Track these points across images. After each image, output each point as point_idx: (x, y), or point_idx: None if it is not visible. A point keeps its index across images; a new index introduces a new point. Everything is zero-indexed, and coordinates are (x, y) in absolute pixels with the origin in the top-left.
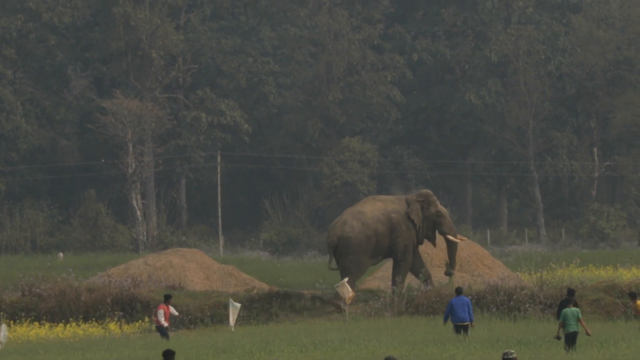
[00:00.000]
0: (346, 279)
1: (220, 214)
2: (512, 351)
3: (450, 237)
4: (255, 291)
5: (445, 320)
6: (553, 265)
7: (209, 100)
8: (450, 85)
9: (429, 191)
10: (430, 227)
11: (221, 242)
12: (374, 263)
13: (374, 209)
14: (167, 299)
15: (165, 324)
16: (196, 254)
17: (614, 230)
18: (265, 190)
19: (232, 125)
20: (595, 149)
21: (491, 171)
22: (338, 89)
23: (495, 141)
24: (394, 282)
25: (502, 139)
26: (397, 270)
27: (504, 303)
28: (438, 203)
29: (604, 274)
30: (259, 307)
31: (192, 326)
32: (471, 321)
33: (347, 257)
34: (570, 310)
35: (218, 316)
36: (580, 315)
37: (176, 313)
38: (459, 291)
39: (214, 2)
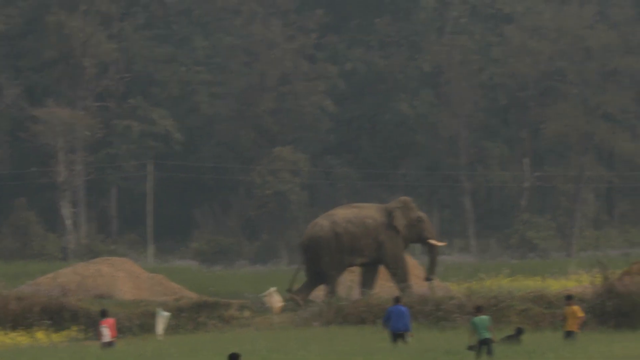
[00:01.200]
0: (274, 288)
1: (150, 222)
2: None
3: (433, 242)
4: (183, 300)
5: (384, 326)
6: (482, 276)
7: (141, 108)
8: (383, 95)
9: (408, 198)
10: (414, 232)
11: (151, 251)
12: (352, 264)
13: (346, 212)
14: (105, 314)
15: (111, 339)
16: (125, 263)
17: (544, 241)
18: (196, 200)
19: (163, 134)
20: (526, 160)
21: (423, 181)
22: (271, 98)
23: (427, 151)
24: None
25: (434, 149)
26: (396, 280)
27: (432, 313)
28: (417, 209)
29: (533, 284)
30: (187, 316)
31: (120, 335)
32: (409, 330)
33: (323, 259)
34: (480, 318)
35: (146, 325)
36: (490, 323)
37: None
38: (396, 300)
39: (148, 10)
